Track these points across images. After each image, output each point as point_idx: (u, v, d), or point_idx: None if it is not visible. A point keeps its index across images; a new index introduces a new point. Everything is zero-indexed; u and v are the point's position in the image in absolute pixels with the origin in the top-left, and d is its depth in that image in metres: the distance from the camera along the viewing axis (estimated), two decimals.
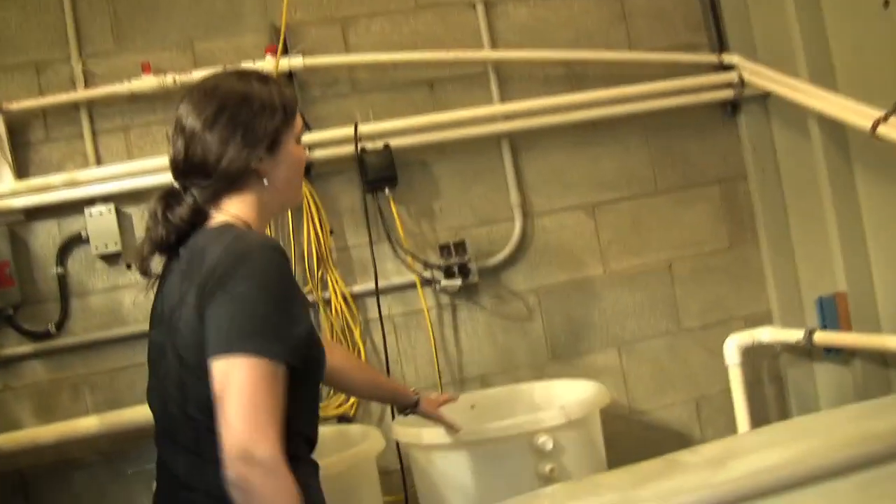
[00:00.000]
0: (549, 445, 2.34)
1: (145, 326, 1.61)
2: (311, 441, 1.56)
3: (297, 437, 1.47)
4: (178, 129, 1.53)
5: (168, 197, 1.54)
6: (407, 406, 2.22)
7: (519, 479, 2.34)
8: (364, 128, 3.00)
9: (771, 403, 3.38)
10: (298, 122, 1.60)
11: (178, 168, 1.55)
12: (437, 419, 2.27)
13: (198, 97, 1.54)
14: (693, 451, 2.23)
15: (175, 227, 1.51)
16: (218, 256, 1.40)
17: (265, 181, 1.53)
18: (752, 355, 3.17)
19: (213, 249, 1.43)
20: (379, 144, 3.01)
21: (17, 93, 2.89)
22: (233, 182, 1.51)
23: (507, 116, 3.18)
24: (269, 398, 1.31)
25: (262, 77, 1.58)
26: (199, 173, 1.51)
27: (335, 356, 2.00)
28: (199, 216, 1.52)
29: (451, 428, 2.30)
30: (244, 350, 1.32)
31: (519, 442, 2.38)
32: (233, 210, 1.52)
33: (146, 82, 2.89)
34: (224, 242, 1.43)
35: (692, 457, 2.15)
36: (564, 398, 2.69)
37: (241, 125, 1.50)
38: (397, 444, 2.90)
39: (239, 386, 1.29)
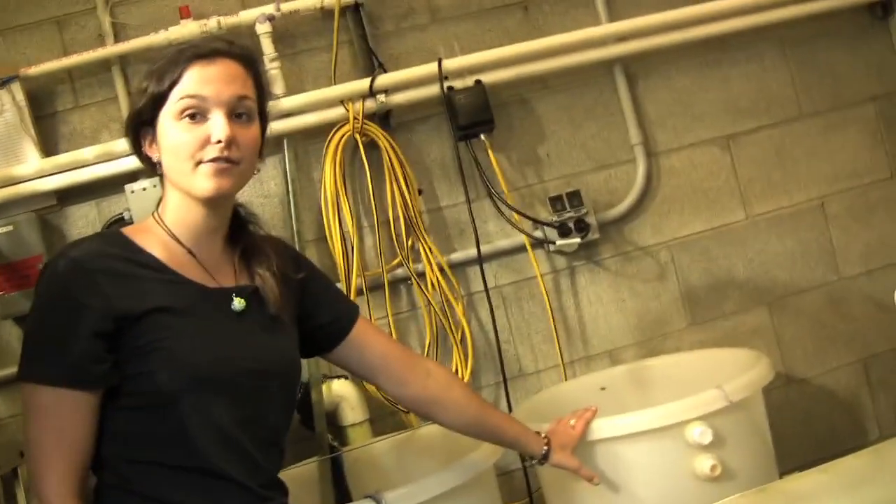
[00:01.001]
0: (708, 437, 1.94)
1: None
2: (188, 469, 1.37)
3: (139, 466, 1.36)
4: None
5: None
6: (534, 457, 1.90)
7: (673, 479, 2.00)
8: (449, 63, 2.66)
9: None
10: (178, 92, 1.36)
11: None
12: (575, 471, 1.92)
13: None
14: None
15: None
16: None
17: (159, 167, 1.44)
18: None
19: None
20: (469, 82, 2.67)
21: (37, 55, 2.61)
22: (157, 172, 1.45)
23: (619, 38, 2.80)
24: (48, 431, 1.30)
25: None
26: None
27: (430, 382, 1.75)
28: None
29: (590, 480, 1.94)
30: (22, 377, 1.33)
31: (669, 434, 1.98)
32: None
33: (186, 29, 2.59)
34: None
35: None
36: (716, 373, 2.30)
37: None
38: None
39: (25, 416, 1.32)
